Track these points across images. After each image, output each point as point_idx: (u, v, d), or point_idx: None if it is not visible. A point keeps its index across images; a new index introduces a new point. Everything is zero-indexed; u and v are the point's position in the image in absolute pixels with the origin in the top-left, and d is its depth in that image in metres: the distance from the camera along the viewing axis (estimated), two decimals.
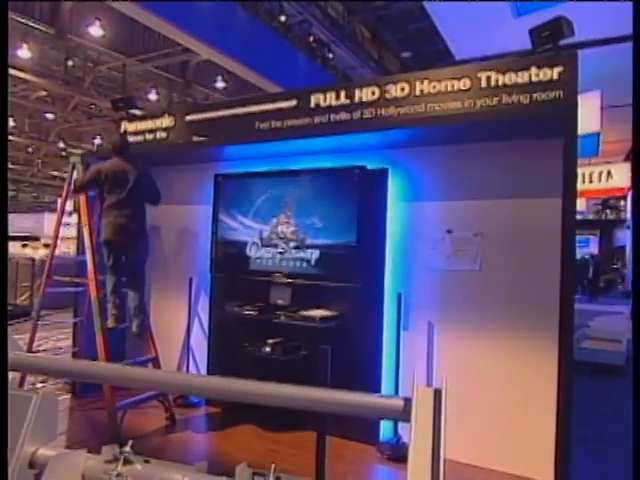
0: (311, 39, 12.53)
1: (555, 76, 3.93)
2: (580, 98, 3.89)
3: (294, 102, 4.82)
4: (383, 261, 4.60)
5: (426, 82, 4.31)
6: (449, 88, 4.24)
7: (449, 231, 4.35)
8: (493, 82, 4.11)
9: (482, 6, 5.69)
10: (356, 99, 4.57)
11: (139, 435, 4.50)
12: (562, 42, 4.00)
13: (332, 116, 4.65)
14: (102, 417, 4.56)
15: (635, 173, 2.46)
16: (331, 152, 4.88)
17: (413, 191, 4.58)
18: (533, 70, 3.99)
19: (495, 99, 4.10)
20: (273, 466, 1.12)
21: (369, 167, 4.60)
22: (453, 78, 4.22)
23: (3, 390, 1.29)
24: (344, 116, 4.60)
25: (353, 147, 4.75)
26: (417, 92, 4.34)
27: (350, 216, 4.53)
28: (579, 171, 4.08)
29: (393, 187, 4.60)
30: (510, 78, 4.06)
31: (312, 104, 4.72)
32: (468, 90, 4.18)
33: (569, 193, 3.58)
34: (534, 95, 3.97)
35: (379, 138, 4.51)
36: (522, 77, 4.03)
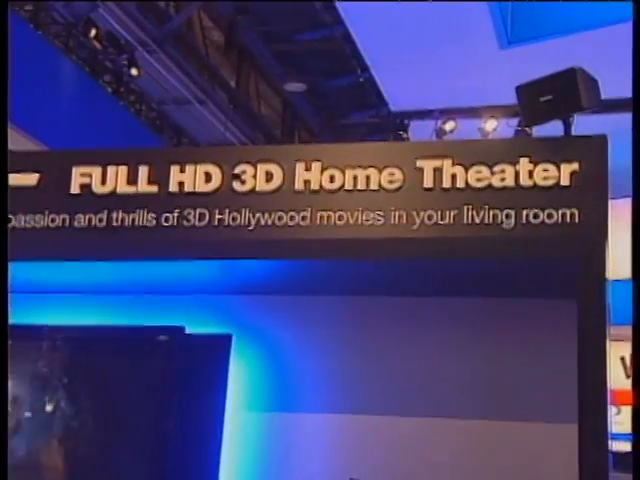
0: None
1: (564, 180, 2.06)
2: None
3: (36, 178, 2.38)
4: None
5: (315, 166, 2.20)
6: (359, 185, 2.19)
7: None
8: (446, 180, 2.14)
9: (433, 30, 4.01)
10: (171, 186, 2.29)
11: None
12: None
13: (119, 216, 2.29)
14: None
15: (636, 177, 1.86)
16: (118, 292, 2.52)
17: (280, 388, 2.39)
18: (522, 165, 2.11)
19: (448, 215, 2.13)
20: None
21: (191, 331, 2.30)
22: (367, 167, 2.17)
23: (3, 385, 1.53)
24: (145, 219, 2.27)
25: (166, 286, 2.46)
26: (297, 185, 2.20)
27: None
28: None
29: (239, 377, 2.36)
30: (477, 175, 2.13)
31: (74, 185, 2.33)
32: (397, 191, 2.16)
33: None
34: (523, 213, 2.09)
35: (212, 272, 2.36)
36: (500, 176, 2.13)
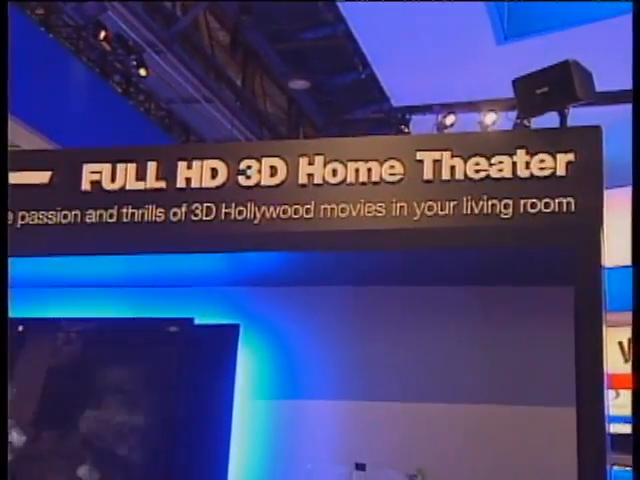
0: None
1: (560, 170, 2.08)
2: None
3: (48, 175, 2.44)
4: None
5: (318, 160, 2.25)
6: (360, 178, 2.22)
7: (359, 466, 2.24)
8: (445, 171, 2.18)
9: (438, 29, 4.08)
10: (179, 182, 2.35)
11: None
12: None
13: (129, 212, 2.35)
14: None
15: (636, 164, 1.85)
16: (129, 285, 2.56)
17: (288, 377, 2.41)
18: (519, 156, 2.14)
19: (447, 206, 2.16)
20: None
21: (200, 322, 2.34)
22: (369, 160, 2.20)
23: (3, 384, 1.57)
24: (154, 214, 2.33)
25: (175, 279, 2.49)
26: (300, 179, 2.25)
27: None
28: None
29: (247, 366, 2.39)
30: (475, 167, 2.17)
31: (85, 182, 2.38)
32: (398, 183, 2.19)
33: None
34: (520, 203, 2.12)
35: (220, 264, 2.40)
36: (498, 167, 2.16)
